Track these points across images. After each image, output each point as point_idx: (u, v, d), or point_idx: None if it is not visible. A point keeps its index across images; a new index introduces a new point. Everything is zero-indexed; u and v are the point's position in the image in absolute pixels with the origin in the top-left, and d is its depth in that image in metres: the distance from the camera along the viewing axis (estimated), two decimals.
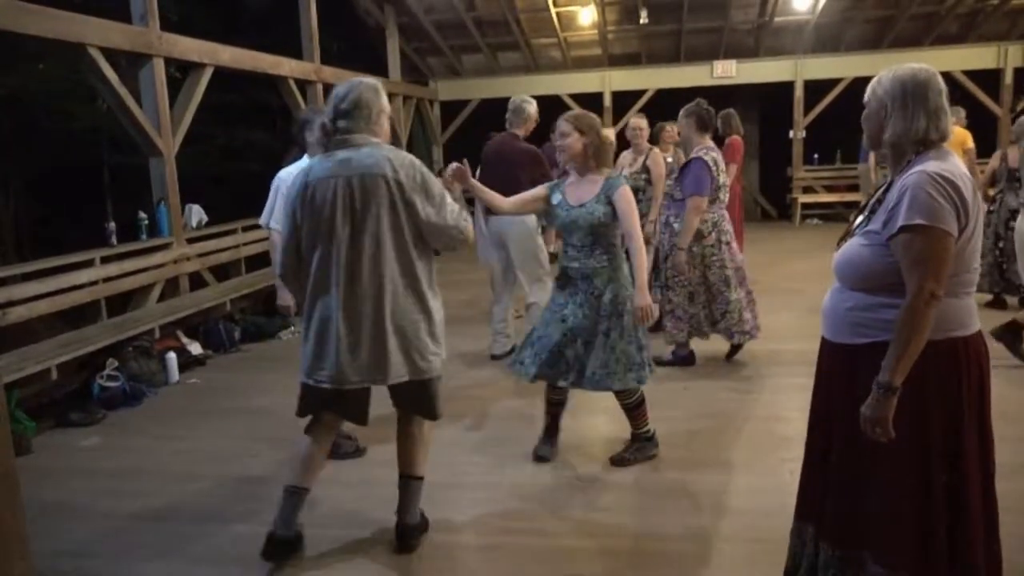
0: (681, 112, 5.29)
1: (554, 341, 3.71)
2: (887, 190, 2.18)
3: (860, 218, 2.27)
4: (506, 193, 4.28)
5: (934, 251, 2.02)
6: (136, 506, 3.72)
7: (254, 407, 5.10)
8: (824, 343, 2.36)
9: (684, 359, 5.52)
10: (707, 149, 5.14)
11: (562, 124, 3.77)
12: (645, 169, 6.32)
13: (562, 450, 4.15)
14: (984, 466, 2.18)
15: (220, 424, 4.84)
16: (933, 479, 2.12)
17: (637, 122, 6.47)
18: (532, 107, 5.85)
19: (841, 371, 2.26)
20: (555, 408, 4.05)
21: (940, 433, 2.12)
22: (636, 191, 5.93)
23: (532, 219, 5.53)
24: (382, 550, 3.23)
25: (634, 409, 3.92)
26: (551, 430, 4.08)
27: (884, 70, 2.29)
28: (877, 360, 2.08)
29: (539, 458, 4.00)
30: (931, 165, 2.08)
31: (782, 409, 4.68)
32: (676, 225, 5.28)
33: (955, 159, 2.14)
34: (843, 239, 2.31)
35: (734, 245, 5.37)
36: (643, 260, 3.63)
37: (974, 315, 2.19)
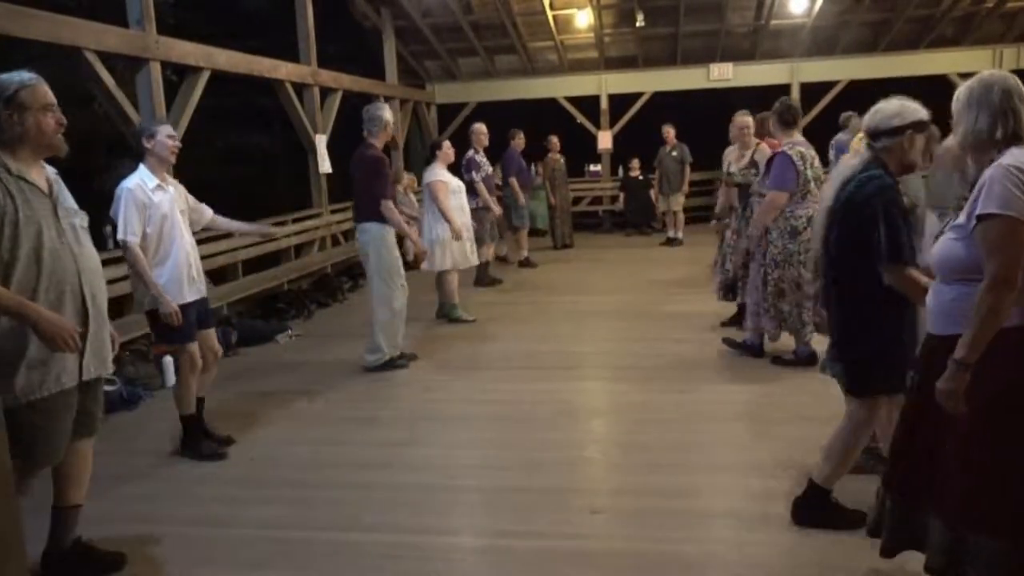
0: (771, 113, 5.42)
1: None
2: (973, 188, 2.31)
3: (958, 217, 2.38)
4: (358, 203, 4.47)
5: (1007, 239, 2.13)
6: (130, 510, 3.71)
7: (251, 411, 5.09)
8: (930, 338, 2.46)
9: (752, 348, 5.66)
10: (793, 144, 5.17)
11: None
12: (754, 164, 6.26)
13: (562, 452, 4.15)
14: None
15: (216, 428, 4.82)
16: None
17: (743, 120, 6.43)
18: (386, 113, 5.82)
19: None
20: None
21: None
22: (747, 186, 5.98)
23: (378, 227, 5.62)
24: (378, 553, 3.22)
25: None
26: None
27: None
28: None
29: None
30: (1007, 159, 2.19)
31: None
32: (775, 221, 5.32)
33: None
34: (939, 236, 2.44)
35: None
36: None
37: None
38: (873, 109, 2.98)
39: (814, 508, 3.18)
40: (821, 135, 13.57)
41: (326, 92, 9.99)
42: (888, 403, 3.02)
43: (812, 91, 13.21)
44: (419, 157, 14.91)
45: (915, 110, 2.93)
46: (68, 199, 2.97)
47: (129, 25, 6.46)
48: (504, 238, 10.53)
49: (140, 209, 3.99)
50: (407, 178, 11.86)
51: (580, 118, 14.22)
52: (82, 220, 2.98)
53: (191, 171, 9.91)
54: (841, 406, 3.19)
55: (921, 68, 12.76)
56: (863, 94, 12.95)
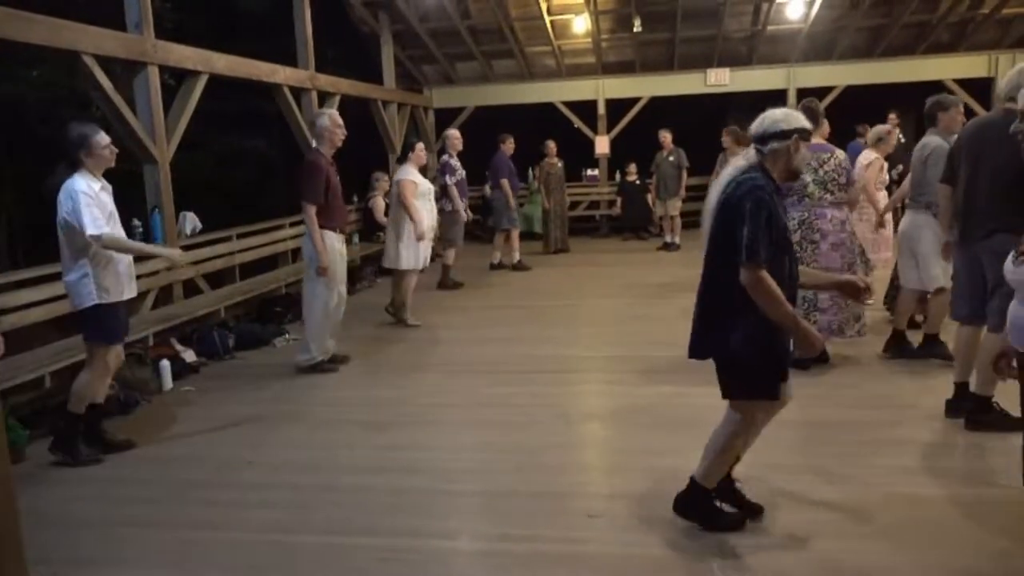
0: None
1: None
2: None
3: None
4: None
5: None
6: (129, 514, 3.71)
7: (249, 415, 5.09)
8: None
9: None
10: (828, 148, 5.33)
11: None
12: None
13: (559, 455, 4.15)
14: None
15: (214, 432, 4.83)
16: None
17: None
18: (324, 119, 5.83)
19: None
20: None
21: None
22: None
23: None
24: (374, 557, 3.23)
25: None
26: None
27: None
28: None
29: None
30: None
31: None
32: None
33: None
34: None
35: (824, 245, 5.31)
36: None
37: None
38: (761, 116, 3.07)
39: (693, 504, 3.26)
40: None
41: (324, 96, 10.00)
42: (767, 408, 3.14)
43: (808, 96, 13.22)
44: None
45: (800, 118, 3.06)
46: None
47: (127, 29, 6.46)
48: (493, 243, 10.62)
49: (97, 206, 4.12)
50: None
51: (577, 123, 14.26)
52: None
53: (189, 175, 9.89)
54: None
55: (917, 74, 12.81)
56: (859, 99, 13.00)
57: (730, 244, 2.91)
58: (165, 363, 5.78)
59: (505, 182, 10.12)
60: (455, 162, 9.03)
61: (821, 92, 13.23)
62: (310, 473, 4.12)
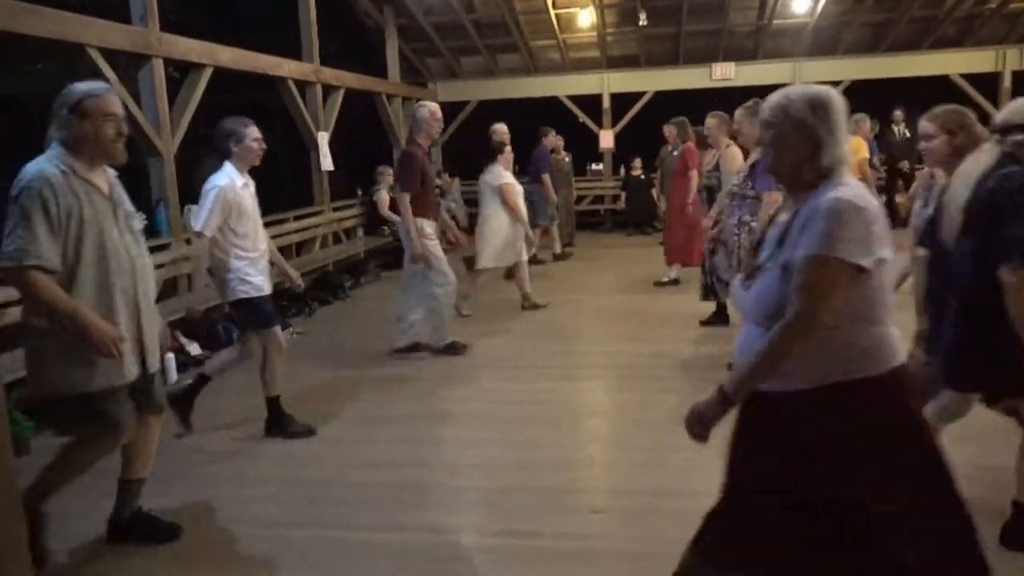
0: (743, 111, 5.24)
1: None
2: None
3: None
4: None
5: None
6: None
7: (253, 408, 5.09)
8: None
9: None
10: None
11: (924, 124, 3.22)
12: (718, 167, 6.20)
13: (562, 451, 4.15)
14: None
15: (219, 425, 4.83)
16: None
17: (708, 121, 6.37)
18: (423, 111, 5.90)
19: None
20: None
21: None
22: (711, 188, 5.96)
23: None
24: (378, 552, 3.23)
25: None
26: None
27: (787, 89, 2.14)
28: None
29: None
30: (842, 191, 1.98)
31: None
32: (753, 224, 5.26)
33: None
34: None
35: None
36: None
37: None
38: (1007, 106, 2.94)
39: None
40: None
41: (328, 90, 10.00)
42: None
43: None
44: None
45: None
46: (126, 201, 3.12)
47: (132, 22, 6.46)
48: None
49: (225, 208, 4.18)
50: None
51: (582, 117, 14.23)
52: (138, 222, 3.15)
53: (193, 168, 9.90)
54: None
55: (923, 69, 12.76)
56: (865, 94, 12.97)
57: (998, 244, 2.64)
58: (170, 356, 5.78)
59: (547, 177, 10.03)
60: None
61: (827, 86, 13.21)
62: (314, 467, 4.13)
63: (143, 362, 3.07)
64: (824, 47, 13.21)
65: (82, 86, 2.95)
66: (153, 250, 6.41)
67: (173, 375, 5.76)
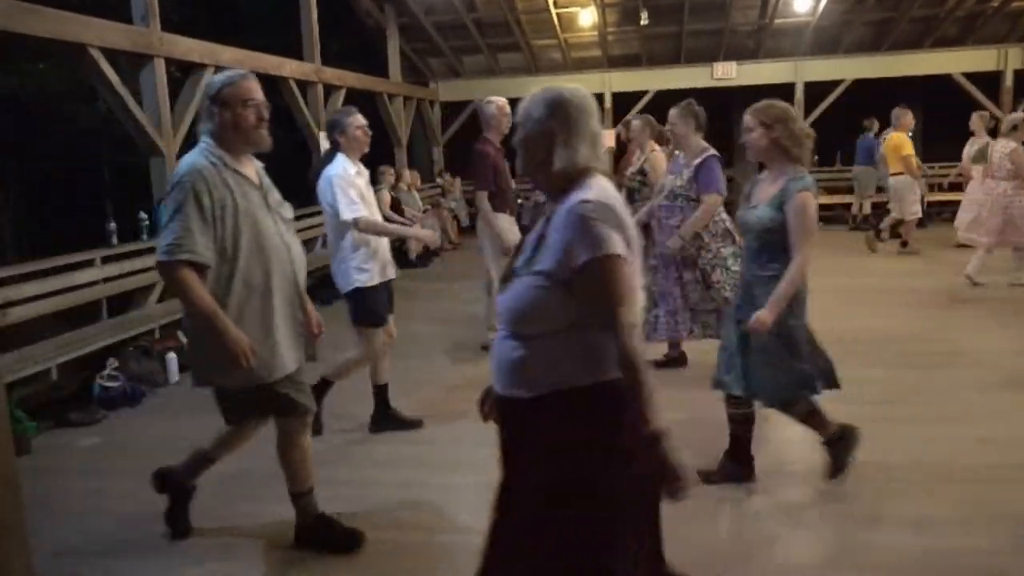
0: (676, 112, 5.19)
1: (731, 343, 3.49)
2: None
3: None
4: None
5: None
6: (136, 506, 3.72)
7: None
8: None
9: (677, 360, 5.53)
10: (708, 149, 5.05)
11: (745, 118, 3.33)
12: (642, 171, 6.17)
13: None
14: None
15: (221, 424, 4.82)
16: None
17: (633, 124, 6.41)
18: (490, 107, 5.84)
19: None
20: (735, 425, 3.64)
21: None
22: (632, 191, 5.92)
23: None
24: (384, 551, 3.23)
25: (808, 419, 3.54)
26: (733, 451, 3.66)
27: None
28: None
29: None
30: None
31: None
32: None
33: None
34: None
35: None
36: (792, 279, 3.22)
37: None
38: None
39: None
40: (825, 134, 13.66)
41: (330, 90, 10.00)
42: None
43: (816, 90, 13.20)
44: (422, 155, 14.94)
45: None
46: (275, 190, 3.07)
47: (134, 22, 6.46)
48: None
49: (353, 188, 4.18)
50: (409, 175, 11.89)
51: None
52: (288, 211, 3.08)
53: None
54: None
55: (925, 68, 12.74)
56: (867, 93, 12.91)
57: None
58: (172, 356, 5.79)
59: None
60: None
61: (828, 86, 13.20)
62: (326, 467, 4.09)
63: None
64: (826, 46, 13.20)
65: (220, 76, 2.92)
66: (154, 250, 6.44)
67: (175, 375, 5.76)
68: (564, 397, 1.94)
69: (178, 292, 2.79)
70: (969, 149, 8.30)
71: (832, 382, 3.45)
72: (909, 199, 9.40)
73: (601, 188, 1.96)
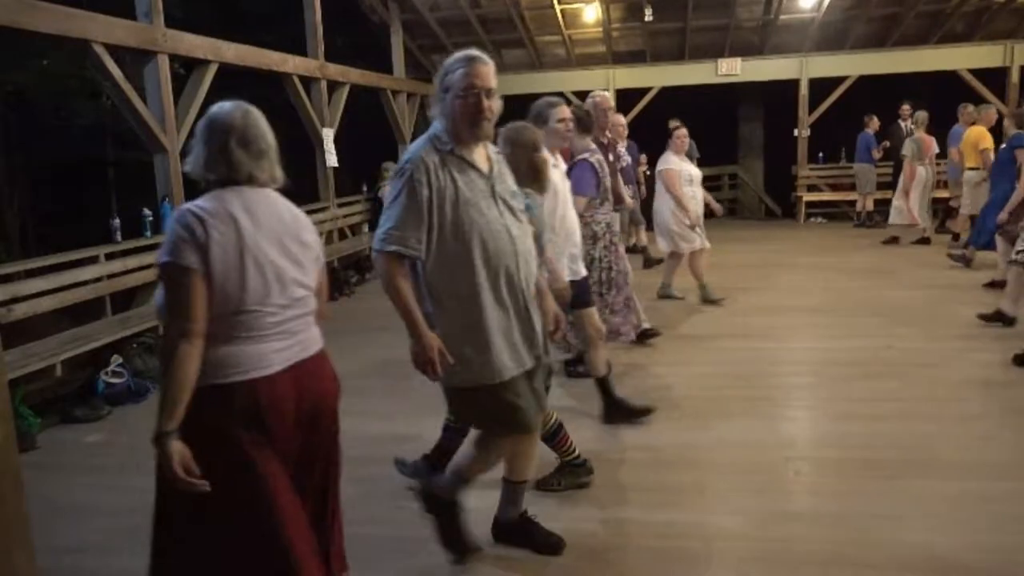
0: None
1: None
2: None
3: None
4: None
5: None
6: (140, 502, 3.71)
7: None
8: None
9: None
10: (591, 152, 5.05)
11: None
12: None
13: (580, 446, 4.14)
14: None
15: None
16: None
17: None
18: (588, 103, 5.67)
19: None
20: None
21: None
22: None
23: None
24: (387, 548, 3.23)
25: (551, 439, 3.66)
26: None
27: None
28: None
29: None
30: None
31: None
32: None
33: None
34: None
35: (621, 249, 5.33)
36: None
37: None
38: None
39: None
40: (831, 131, 13.65)
41: (333, 86, 9.99)
42: None
43: (821, 86, 13.15)
44: None
45: None
46: (507, 180, 2.93)
47: (137, 18, 6.46)
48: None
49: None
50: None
51: None
52: (519, 202, 2.93)
53: None
54: None
55: (931, 64, 12.68)
56: (872, 90, 12.86)
57: None
58: None
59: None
60: (621, 149, 8.66)
61: (833, 82, 13.14)
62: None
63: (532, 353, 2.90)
64: (831, 42, 13.14)
65: (450, 58, 2.81)
66: (158, 246, 6.43)
67: None
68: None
69: (384, 280, 2.71)
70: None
71: None
72: (980, 193, 9.18)
73: (204, 199, 2.15)
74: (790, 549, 3.09)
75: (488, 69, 2.78)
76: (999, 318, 6.09)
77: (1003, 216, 6.74)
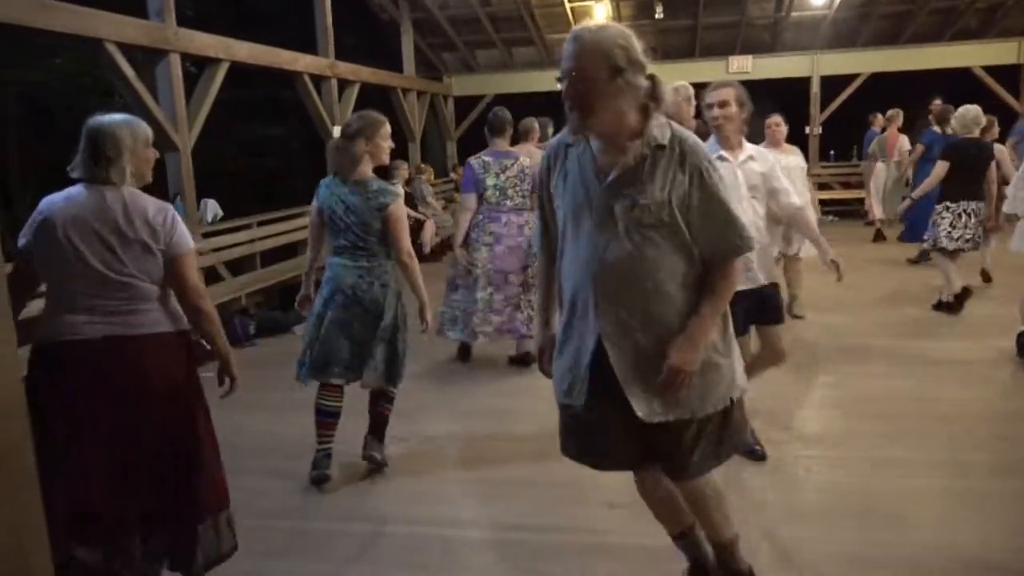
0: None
1: None
2: None
3: None
4: None
5: None
6: None
7: (269, 402, 5.11)
8: None
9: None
10: (485, 152, 5.36)
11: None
12: None
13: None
14: None
15: (234, 418, 4.85)
16: None
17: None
18: (667, 93, 5.50)
19: None
20: None
21: None
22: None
23: None
24: (395, 545, 3.23)
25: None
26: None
27: None
28: None
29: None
30: None
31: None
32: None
33: None
34: None
35: (498, 248, 5.35)
36: None
37: None
38: None
39: None
40: (842, 128, 13.58)
41: (344, 84, 10.01)
42: None
43: (833, 84, 13.08)
44: (437, 149, 14.94)
45: None
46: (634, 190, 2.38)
47: (149, 17, 6.49)
48: None
49: None
50: (426, 169, 11.88)
51: None
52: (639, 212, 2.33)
53: (210, 163, 9.95)
54: None
55: (944, 61, 12.60)
56: (885, 87, 12.78)
57: None
58: None
59: None
60: None
61: (845, 80, 13.08)
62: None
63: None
64: (843, 39, 13.08)
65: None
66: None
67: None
68: None
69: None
70: None
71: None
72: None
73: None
74: (801, 549, 3.07)
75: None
76: (943, 306, 6.50)
77: (917, 193, 7.12)
